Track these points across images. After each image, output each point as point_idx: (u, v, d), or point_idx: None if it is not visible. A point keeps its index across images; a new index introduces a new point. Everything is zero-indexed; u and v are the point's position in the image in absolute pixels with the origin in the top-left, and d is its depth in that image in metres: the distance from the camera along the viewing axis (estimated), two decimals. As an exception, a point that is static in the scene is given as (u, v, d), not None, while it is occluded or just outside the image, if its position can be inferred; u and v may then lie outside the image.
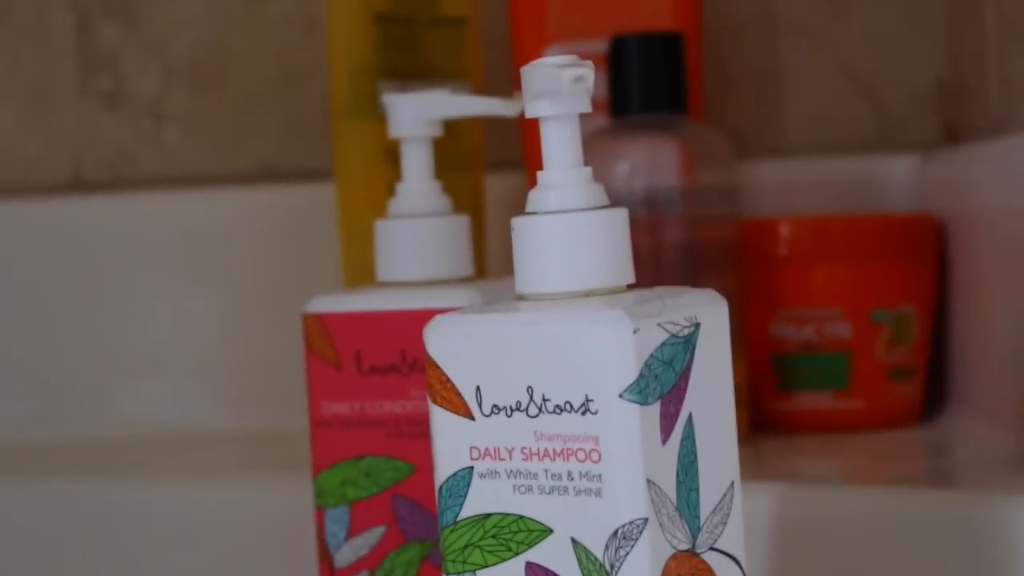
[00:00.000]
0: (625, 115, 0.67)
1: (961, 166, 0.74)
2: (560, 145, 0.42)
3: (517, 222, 0.42)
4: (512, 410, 0.40)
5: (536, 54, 0.74)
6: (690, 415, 0.41)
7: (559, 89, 0.41)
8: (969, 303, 0.72)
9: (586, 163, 0.67)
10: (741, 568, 0.44)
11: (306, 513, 0.56)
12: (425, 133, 0.53)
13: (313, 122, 0.83)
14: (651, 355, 0.40)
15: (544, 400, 0.40)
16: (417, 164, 0.53)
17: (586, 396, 0.39)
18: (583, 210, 0.42)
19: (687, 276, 0.66)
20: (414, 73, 0.70)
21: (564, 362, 0.40)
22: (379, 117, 0.68)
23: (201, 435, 0.77)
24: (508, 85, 0.74)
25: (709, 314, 0.43)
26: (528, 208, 0.42)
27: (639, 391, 0.39)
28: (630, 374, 0.39)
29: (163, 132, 0.84)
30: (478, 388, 0.41)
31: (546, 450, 0.40)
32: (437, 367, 0.41)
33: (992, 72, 0.73)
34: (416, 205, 0.53)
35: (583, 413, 0.39)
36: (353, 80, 0.68)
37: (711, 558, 0.42)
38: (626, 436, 0.39)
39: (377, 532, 0.52)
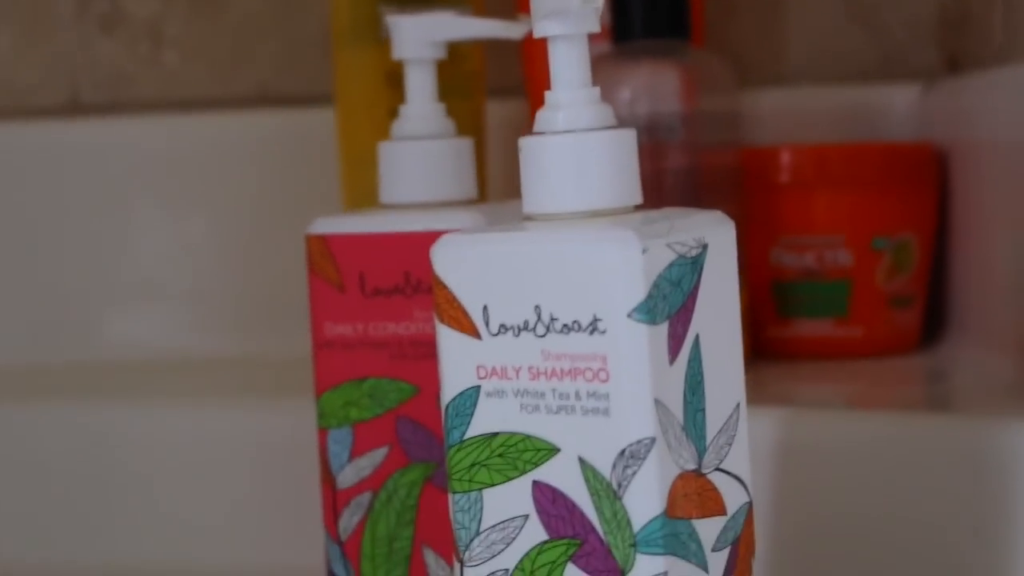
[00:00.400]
0: (627, 41, 0.66)
1: (963, 95, 0.74)
2: (569, 65, 0.42)
3: (525, 142, 0.42)
4: (520, 329, 0.40)
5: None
6: (697, 336, 0.41)
7: (568, 8, 0.41)
8: (969, 231, 0.71)
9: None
10: (746, 489, 0.44)
11: (305, 435, 0.56)
12: (429, 55, 0.53)
13: (312, 46, 0.82)
14: (659, 275, 0.40)
15: (552, 319, 0.40)
16: (421, 86, 0.53)
17: (594, 315, 0.39)
18: (592, 130, 0.42)
19: (688, 202, 0.66)
20: (412, -2, 0.69)
21: (573, 281, 0.40)
22: (380, 41, 0.67)
23: (197, 359, 0.78)
24: (509, 8, 0.74)
25: (717, 235, 0.43)
26: (536, 128, 0.42)
27: (647, 311, 0.39)
28: (639, 294, 0.39)
29: (161, 55, 0.83)
30: (485, 307, 0.41)
31: (553, 369, 0.40)
32: (444, 286, 0.41)
33: (996, 0, 0.72)
34: (420, 127, 0.53)
35: (591, 332, 0.39)
36: (354, 4, 0.67)
37: (717, 478, 0.42)
38: (634, 355, 0.39)
39: (380, 453, 0.52)
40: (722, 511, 0.43)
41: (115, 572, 0.65)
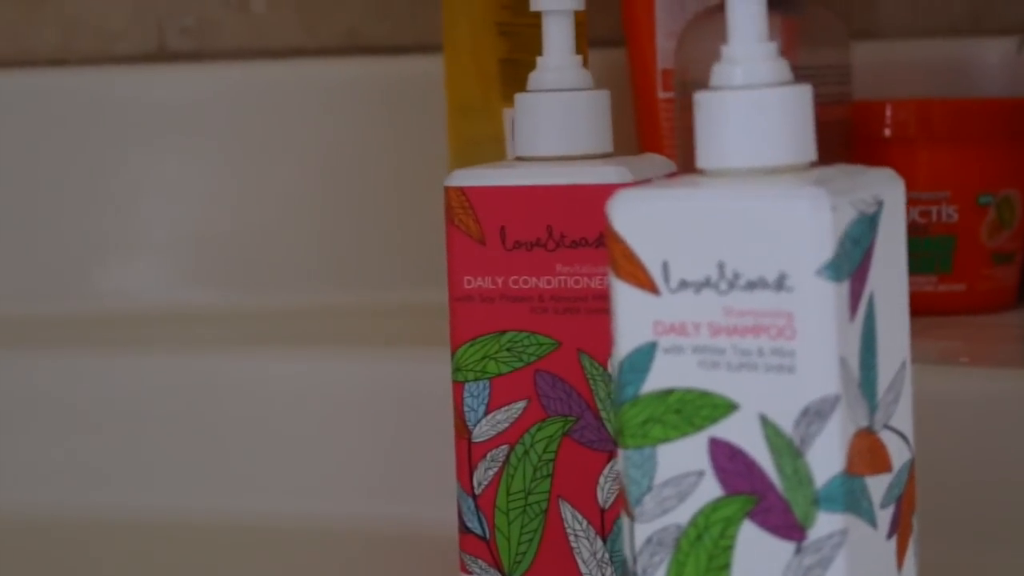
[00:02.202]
0: (739, -8, 0.66)
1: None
2: (746, 19, 0.42)
3: (701, 96, 0.42)
4: (701, 286, 0.40)
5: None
6: (872, 294, 0.41)
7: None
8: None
9: (700, 40, 0.67)
10: (909, 446, 0.44)
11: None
12: (568, 5, 0.52)
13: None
14: (844, 232, 0.39)
15: (735, 276, 0.40)
16: (560, 37, 0.53)
17: (781, 272, 0.39)
18: (771, 86, 0.41)
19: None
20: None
21: (759, 238, 0.39)
22: (491, -10, 0.67)
23: (319, 305, 0.77)
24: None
25: (890, 193, 0.42)
26: (713, 82, 0.42)
27: (835, 268, 0.39)
28: (827, 251, 0.39)
29: (249, 2, 0.83)
30: (665, 263, 0.41)
31: (735, 326, 0.40)
32: (622, 241, 0.41)
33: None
34: (560, 79, 0.52)
35: (777, 290, 0.39)
36: (464, -48, 0.67)
37: (885, 436, 0.42)
38: (822, 313, 0.39)
39: (518, 407, 0.52)
40: (889, 468, 0.43)
41: (216, 522, 0.65)
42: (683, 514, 0.41)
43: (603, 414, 0.51)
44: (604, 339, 0.51)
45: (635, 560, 0.42)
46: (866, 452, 0.41)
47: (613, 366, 0.42)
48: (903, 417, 0.44)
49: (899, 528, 0.43)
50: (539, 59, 0.53)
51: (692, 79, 0.67)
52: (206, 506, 0.64)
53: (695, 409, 0.41)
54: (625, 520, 0.42)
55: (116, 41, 0.83)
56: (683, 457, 0.41)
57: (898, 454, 0.43)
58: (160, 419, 0.66)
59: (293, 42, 0.83)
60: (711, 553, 0.41)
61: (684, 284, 0.41)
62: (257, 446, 0.65)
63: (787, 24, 0.66)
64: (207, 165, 0.80)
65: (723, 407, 0.41)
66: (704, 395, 0.41)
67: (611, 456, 0.51)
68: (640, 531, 0.42)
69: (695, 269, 0.40)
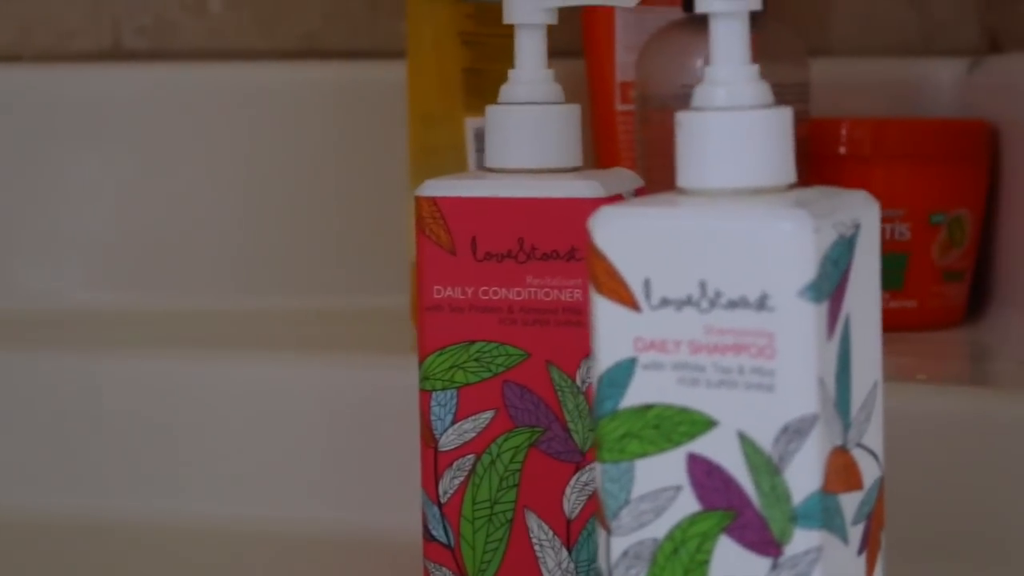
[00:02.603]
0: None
1: (1013, 74, 0.75)
2: (730, 41, 0.42)
3: (683, 116, 0.42)
4: (682, 304, 0.41)
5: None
6: (848, 315, 0.42)
7: (734, -16, 0.41)
8: (1017, 208, 0.73)
9: (661, 55, 0.68)
10: (879, 464, 0.45)
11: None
12: (541, 20, 0.53)
13: (358, 1, 0.82)
14: (825, 254, 0.40)
15: (717, 295, 0.40)
16: (532, 51, 0.53)
17: (763, 292, 0.40)
18: (753, 108, 0.42)
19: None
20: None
21: (742, 258, 0.40)
22: (455, 0, 0.67)
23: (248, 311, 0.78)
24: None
25: (866, 216, 0.43)
26: (694, 103, 0.42)
27: (816, 289, 0.40)
28: (809, 273, 0.39)
29: (206, 2, 0.82)
30: (647, 280, 0.41)
31: (716, 344, 0.41)
32: (604, 258, 0.41)
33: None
34: (532, 92, 0.53)
35: (759, 309, 0.40)
36: (429, -39, 0.67)
37: (857, 453, 0.43)
38: (803, 333, 0.40)
39: (485, 417, 0.52)
40: (860, 485, 0.43)
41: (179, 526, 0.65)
42: (660, 528, 0.42)
43: (571, 425, 0.51)
44: (573, 351, 0.52)
45: (611, 573, 0.42)
46: (840, 470, 0.42)
47: (592, 380, 0.42)
48: (874, 435, 0.44)
49: (868, 544, 0.44)
50: (511, 72, 0.53)
51: (652, 93, 0.67)
52: (156, 509, 0.64)
53: (674, 425, 0.41)
54: (601, 533, 0.43)
55: (71, 39, 0.83)
56: (661, 472, 0.42)
57: (869, 472, 0.44)
58: (110, 422, 0.66)
59: (249, 44, 0.82)
60: (687, 567, 0.41)
61: (665, 302, 0.41)
62: (212, 449, 0.65)
63: (757, 40, 0.66)
64: (161, 165, 0.80)
65: (702, 424, 0.41)
66: (683, 411, 0.41)
67: (578, 467, 0.52)
68: (616, 544, 0.42)
69: (677, 287, 0.41)
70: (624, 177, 0.54)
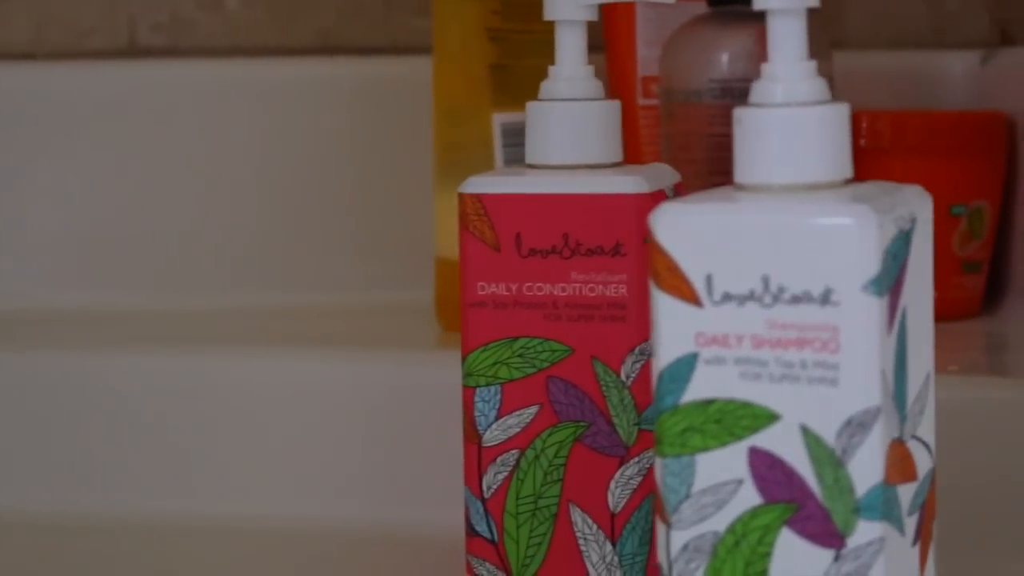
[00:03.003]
0: (724, 4, 0.67)
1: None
2: (788, 38, 0.42)
3: (742, 112, 0.43)
4: (744, 299, 0.41)
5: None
6: (905, 308, 0.42)
7: (792, -19, 0.42)
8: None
9: (685, 51, 0.68)
10: (931, 455, 0.45)
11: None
12: (582, 16, 0.53)
13: (374, -2, 0.82)
14: (886, 249, 0.40)
15: (780, 290, 0.41)
16: (573, 47, 0.53)
17: (827, 287, 0.40)
18: (811, 104, 0.42)
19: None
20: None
21: (805, 253, 0.40)
22: (482, -4, 0.68)
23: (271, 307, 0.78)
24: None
25: (921, 209, 0.44)
26: (752, 99, 0.43)
27: (879, 284, 0.40)
28: (873, 267, 0.40)
29: (222, 0, 0.82)
30: (709, 276, 0.41)
31: (779, 339, 0.41)
32: (665, 254, 0.42)
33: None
34: (574, 88, 0.53)
35: (823, 304, 0.40)
36: (455, -43, 0.67)
37: (912, 445, 0.44)
38: (867, 327, 0.40)
39: (529, 412, 0.52)
40: (915, 477, 0.44)
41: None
42: (721, 521, 0.42)
43: (615, 420, 0.52)
44: (618, 346, 0.52)
45: (671, 566, 0.43)
46: (898, 462, 0.42)
47: (652, 376, 0.43)
48: (927, 427, 0.45)
49: (922, 535, 0.44)
50: (551, 68, 0.54)
51: (677, 87, 0.68)
52: (184, 508, 0.64)
53: (735, 419, 0.42)
54: (661, 527, 0.43)
55: (87, 36, 0.82)
56: (722, 466, 0.42)
57: (923, 463, 0.44)
58: (124, 419, 0.66)
59: (266, 41, 0.82)
60: (748, 559, 0.42)
61: (728, 297, 0.41)
62: (239, 448, 0.65)
63: (758, 31, 0.66)
64: (178, 163, 0.80)
65: (764, 417, 0.41)
66: (745, 405, 0.42)
67: (622, 461, 0.52)
68: (677, 538, 0.43)
69: (739, 282, 0.41)
70: (663, 172, 0.54)
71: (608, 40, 0.74)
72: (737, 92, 0.66)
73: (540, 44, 0.68)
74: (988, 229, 0.73)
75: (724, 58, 0.66)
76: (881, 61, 0.81)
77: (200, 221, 0.80)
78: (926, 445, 0.45)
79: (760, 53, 0.67)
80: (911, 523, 0.43)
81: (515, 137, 0.69)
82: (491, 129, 0.68)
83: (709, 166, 0.66)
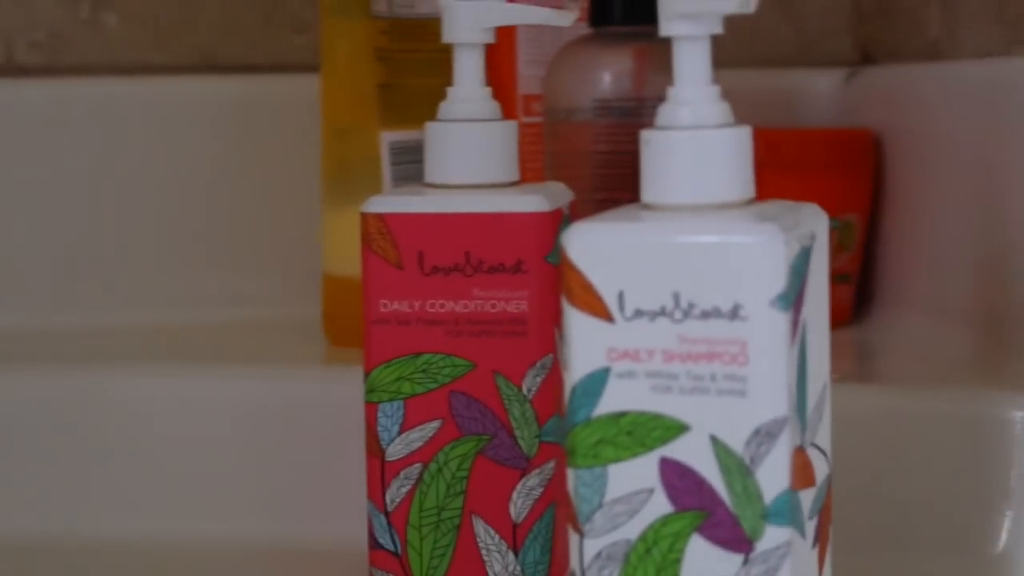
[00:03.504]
0: (607, 25, 0.69)
1: (894, 84, 0.78)
2: (693, 63, 0.44)
3: (650, 135, 0.44)
4: (656, 315, 0.43)
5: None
6: (804, 321, 0.44)
7: (698, 12, 0.43)
8: (899, 212, 0.76)
9: (568, 70, 0.70)
10: (828, 462, 0.47)
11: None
12: (479, 39, 0.54)
13: (254, 14, 0.82)
14: (791, 265, 0.42)
15: (690, 306, 0.42)
16: (471, 69, 0.54)
17: (735, 303, 0.42)
18: (717, 127, 0.44)
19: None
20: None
21: (715, 270, 0.42)
22: (369, 15, 0.68)
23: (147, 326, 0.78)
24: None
25: (819, 227, 0.46)
26: (658, 122, 0.44)
27: (786, 299, 0.42)
28: (780, 283, 0.42)
29: (101, 17, 0.82)
30: (621, 293, 0.43)
31: (689, 353, 0.42)
32: (578, 271, 0.43)
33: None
34: (472, 110, 0.54)
35: (731, 319, 0.42)
36: (342, -23, 0.68)
37: (811, 453, 0.45)
38: (774, 341, 0.42)
39: (432, 426, 0.53)
40: (814, 483, 0.46)
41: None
42: (633, 529, 0.43)
43: (517, 433, 0.53)
44: (519, 361, 0.53)
45: (584, 574, 0.44)
46: (800, 469, 0.44)
47: (565, 390, 0.44)
48: (824, 435, 0.47)
49: (820, 537, 0.46)
50: (449, 90, 0.55)
51: (561, 106, 0.69)
52: (84, 527, 0.64)
53: (647, 431, 0.43)
54: (573, 536, 0.44)
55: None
56: (634, 476, 0.43)
57: (820, 469, 0.46)
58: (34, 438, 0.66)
59: (145, 59, 0.82)
60: (660, 566, 0.43)
61: (639, 313, 0.43)
62: (139, 463, 0.65)
63: (640, 51, 0.69)
64: (56, 182, 0.79)
65: (675, 428, 0.43)
66: (656, 417, 0.43)
67: (523, 473, 0.53)
68: (589, 546, 0.44)
69: (651, 299, 0.43)
70: (560, 191, 0.55)
71: (489, 59, 0.75)
72: (619, 111, 0.68)
73: (427, 64, 0.70)
74: (857, 241, 0.76)
75: (607, 77, 0.68)
76: (748, 80, 0.84)
77: (84, 240, 0.80)
78: (823, 452, 0.47)
79: (639, 72, 0.69)
80: (811, 527, 0.45)
81: (403, 155, 0.70)
82: (379, 147, 0.69)
83: (594, 183, 0.67)
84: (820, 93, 0.84)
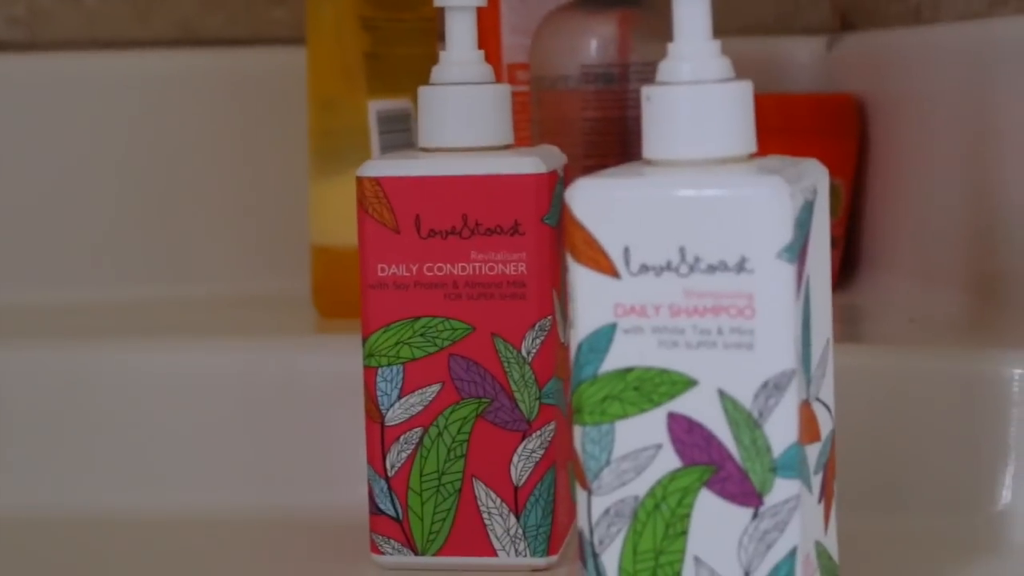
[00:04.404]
0: (592, -10, 0.69)
1: (876, 50, 0.78)
2: (692, 19, 0.44)
3: (651, 91, 0.44)
4: (661, 269, 0.43)
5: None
6: (808, 275, 0.44)
7: (696, -35, 0.43)
8: (884, 176, 0.77)
9: (554, 38, 0.70)
10: (832, 417, 0.47)
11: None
12: (471, 3, 0.54)
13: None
14: (795, 218, 0.42)
15: (696, 260, 0.42)
16: (464, 32, 0.54)
17: (742, 256, 0.42)
18: (717, 81, 0.44)
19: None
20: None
21: (721, 224, 0.42)
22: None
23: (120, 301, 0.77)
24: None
25: (820, 181, 0.46)
26: (660, 78, 0.44)
27: (791, 250, 0.42)
28: (786, 235, 0.42)
29: (80, -8, 0.82)
30: (627, 248, 0.43)
31: (695, 307, 0.43)
32: (583, 228, 0.43)
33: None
34: (466, 73, 0.54)
35: (738, 272, 0.42)
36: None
37: (816, 407, 0.46)
38: (781, 293, 0.42)
39: (431, 390, 0.53)
40: (819, 437, 0.46)
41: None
42: (641, 486, 0.44)
43: (516, 395, 0.53)
44: (518, 323, 0.53)
45: (592, 531, 0.44)
46: (807, 422, 0.44)
47: (571, 347, 0.44)
48: (828, 390, 0.47)
49: (826, 492, 0.47)
50: (442, 53, 0.55)
51: (547, 74, 0.69)
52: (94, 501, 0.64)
53: (654, 386, 0.43)
54: (581, 493, 0.44)
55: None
56: (641, 432, 0.43)
57: (825, 424, 0.46)
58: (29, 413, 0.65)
59: (126, 34, 0.82)
60: (668, 521, 0.43)
61: (645, 268, 0.43)
62: (128, 438, 0.64)
63: (624, 17, 0.69)
64: (42, 157, 0.79)
65: (682, 383, 0.43)
66: (663, 372, 0.43)
67: (524, 436, 0.53)
68: (597, 504, 0.44)
69: (656, 254, 0.43)
70: (554, 153, 0.55)
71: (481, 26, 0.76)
72: (606, 77, 0.68)
73: (412, 32, 0.70)
74: (843, 207, 0.76)
75: (593, 44, 0.68)
76: (730, 48, 0.83)
77: (70, 216, 0.79)
78: (827, 407, 0.47)
79: (625, 38, 0.69)
80: (817, 481, 0.46)
81: (390, 124, 0.70)
82: (366, 116, 0.69)
83: (583, 150, 0.67)
84: (802, 61, 0.84)
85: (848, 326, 0.71)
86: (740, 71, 0.84)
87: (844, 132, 0.75)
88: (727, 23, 0.86)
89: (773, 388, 0.42)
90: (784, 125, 0.74)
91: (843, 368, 0.57)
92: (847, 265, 0.79)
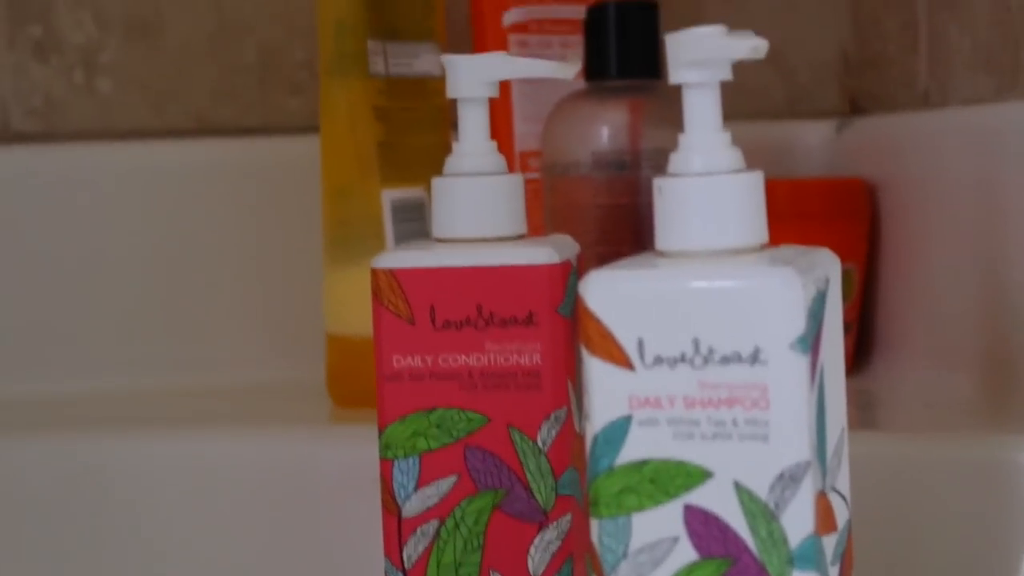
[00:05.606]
0: (603, 79, 0.69)
1: (886, 134, 0.79)
2: (703, 110, 0.45)
3: (662, 182, 0.44)
4: (675, 361, 0.43)
5: (496, 16, 0.76)
6: (822, 364, 0.44)
7: (707, 59, 0.44)
8: (896, 260, 0.77)
9: (566, 125, 0.70)
10: (848, 506, 0.47)
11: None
12: (484, 93, 0.55)
13: (248, 77, 0.83)
14: (808, 308, 0.43)
15: (710, 351, 0.42)
16: (476, 123, 0.54)
17: (755, 347, 0.42)
18: (728, 173, 0.44)
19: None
20: (388, 33, 0.71)
21: (734, 315, 0.42)
22: (367, 75, 0.69)
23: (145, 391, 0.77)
24: (467, 46, 0.76)
25: (832, 271, 0.46)
26: (671, 169, 0.45)
27: (805, 342, 0.42)
28: (799, 326, 0.42)
29: (95, 82, 0.82)
30: (640, 340, 0.43)
31: (710, 399, 0.43)
32: (597, 320, 0.43)
33: (921, 46, 0.78)
34: (479, 164, 0.54)
35: (752, 363, 0.42)
36: (340, 36, 0.68)
37: (832, 497, 0.45)
38: (795, 384, 0.42)
39: (448, 482, 0.53)
40: (836, 527, 0.46)
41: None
42: (658, 578, 0.44)
43: (533, 486, 0.53)
44: (533, 414, 0.53)
45: (610, 624, 0.44)
46: (823, 513, 0.44)
47: (586, 439, 0.44)
48: (843, 479, 0.47)
49: (843, 583, 0.46)
50: (455, 144, 0.55)
51: (559, 161, 0.70)
52: None
53: (670, 478, 0.43)
54: (598, 586, 0.44)
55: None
56: (658, 524, 0.43)
57: (841, 514, 0.46)
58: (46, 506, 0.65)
59: (140, 124, 0.83)
60: (686, 614, 0.43)
61: (659, 360, 0.43)
62: (148, 529, 0.64)
63: (635, 104, 0.69)
64: (56, 248, 0.79)
65: (698, 475, 0.43)
66: (679, 464, 0.43)
67: (541, 526, 0.53)
68: (615, 596, 0.44)
69: (670, 345, 0.43)
70: (567, 243, 0.56)
71: (492, 111, 0.76)
72: (617, 164, 0.68)
73: (425, 121, 0.70)
74: (856, 291, 0.76)
75: (604, 131, 0.68)
76: (740, 132, 0.84)
77: (86, 305, 0.80)
78: (843, 496, 0.47)
79: (636, 125, 0.70)
80: (834, 572, 0.45)
81: (404, 213, 0.70)
82: (380, 205, 0.69)
83: (596, 236, 0.68)
84: (812, 144, 0.84)
85: (863, 412, 0.71)
86: (750, 155, 0.85)
87: (855, 216, 0.76)
88: (737, 107, 0.87)
89: (789, 479, 0.42)
90: (795, 210, 0.74)
91: (858, 456, 0.57)
92: (861, 349, 0.79)
